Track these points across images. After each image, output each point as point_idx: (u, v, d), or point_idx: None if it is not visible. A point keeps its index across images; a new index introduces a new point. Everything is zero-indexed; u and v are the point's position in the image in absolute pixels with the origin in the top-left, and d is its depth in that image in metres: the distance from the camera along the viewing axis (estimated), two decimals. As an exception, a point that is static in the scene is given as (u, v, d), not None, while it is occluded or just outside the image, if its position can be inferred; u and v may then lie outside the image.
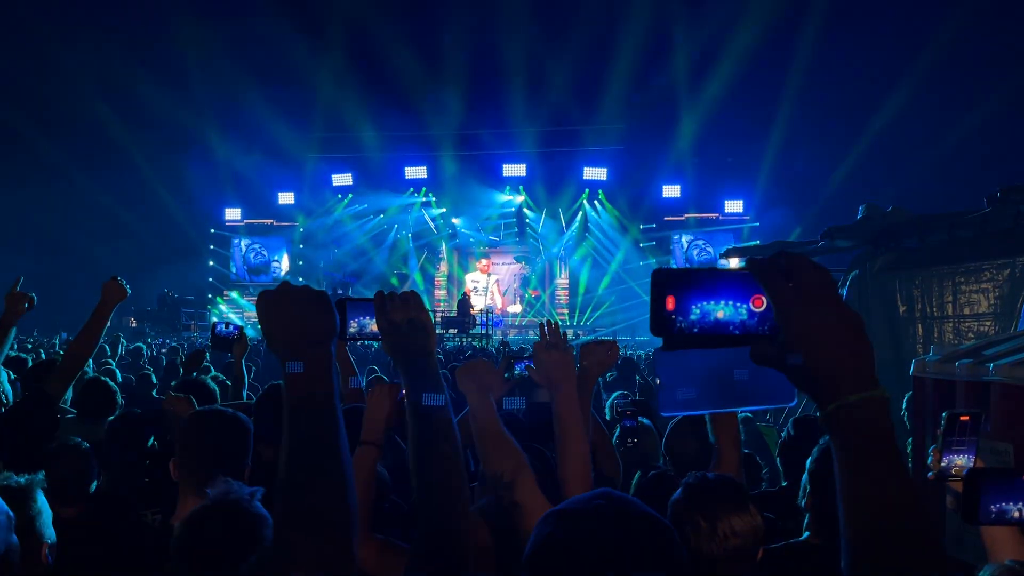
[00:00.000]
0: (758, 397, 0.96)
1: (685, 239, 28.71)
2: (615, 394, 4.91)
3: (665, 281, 0.90)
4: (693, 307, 0.89)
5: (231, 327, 4.47)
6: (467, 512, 1.55)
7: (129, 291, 3.46)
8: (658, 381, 0.94)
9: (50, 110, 23.13)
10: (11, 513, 1.59)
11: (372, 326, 1.67)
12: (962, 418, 1.73)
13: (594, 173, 28.61)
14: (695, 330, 0.89)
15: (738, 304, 0.90)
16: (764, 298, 0.90)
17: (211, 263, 30.85)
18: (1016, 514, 1.59)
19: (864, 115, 21.58)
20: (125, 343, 11.23)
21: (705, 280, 0.90)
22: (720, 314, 0.90)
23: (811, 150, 22.51)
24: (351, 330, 1.69)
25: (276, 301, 1.29)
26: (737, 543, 1.82)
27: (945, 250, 6.24)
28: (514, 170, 28.90)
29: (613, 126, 26.79)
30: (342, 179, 30.00)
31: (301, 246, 30.77)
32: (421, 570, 1.52)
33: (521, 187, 29.20)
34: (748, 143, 24.14)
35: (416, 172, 29.46)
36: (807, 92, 22.02)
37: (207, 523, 1.64)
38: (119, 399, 4.10)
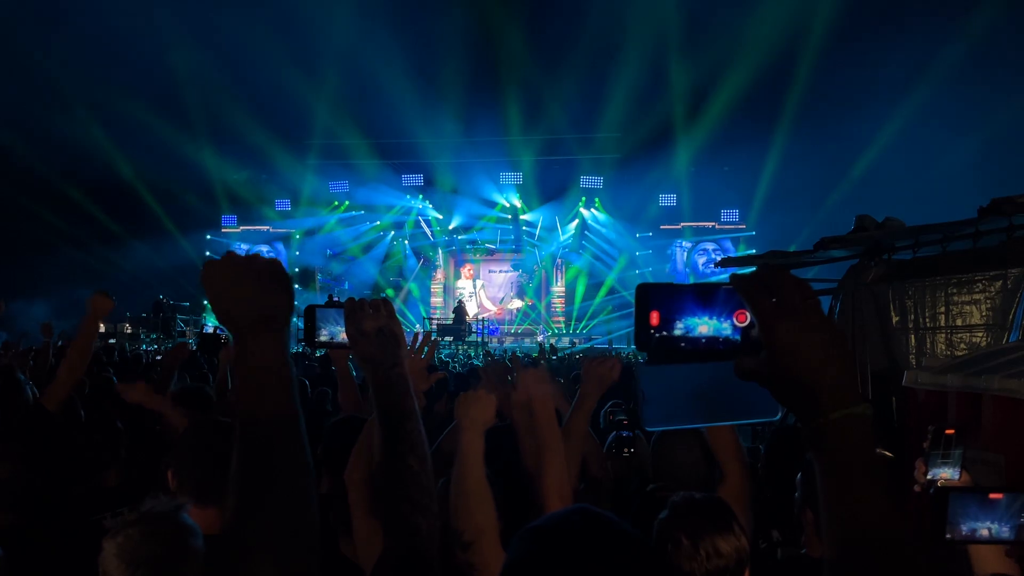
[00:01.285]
0: (742, 412, 0.97)
1: (685, 245, 28.71)
2: (609, 403, 4.91)
3: (649, 296, 0.90)
4: (677, 322, 0.90)
5: (221, 330, 4.35)
6: (434, 527, 1.50)
7: (115, 303, 3.44)
8: (643, 395, 0.95)
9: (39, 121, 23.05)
10: None
11: (343, 334, 1.61)
12: (947, 432, 1.74)
13: (591, 181, 28.66)
14: (680, 344, 0.90)
15: (722, 319, 0.91)
16: (747, 313, 0.90)
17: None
18: (985, 532, 1.56)
19: (862, 127, 21.69)
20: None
21: (689, 295, 0.90)
22: (704, 328, 0.90)
23: (808, 161, 22.56)
24: (322, 338, 1.65)
25: (223, 273, 1.14)
26: (719, 564, 1.83)
27: (938, 261, 6.26)
28: (511, 178, 28.92)
29: (610, 135, 26.85)
30: (338, 187, 30.01)
31: (297, 253, 30.75)
32: None
33: (518, 195, 29.22)
34: (746, 152, 24.19)
35: (413, 180, 29.48)
36: (806, 102, 22.13)
37: (136, 535, 1.62)
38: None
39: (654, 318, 0.89)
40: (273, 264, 1.17)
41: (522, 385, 2.08)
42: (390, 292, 28.67)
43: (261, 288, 1.13)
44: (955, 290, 5.82)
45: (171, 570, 1.48)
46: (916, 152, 20.45)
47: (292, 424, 1.08)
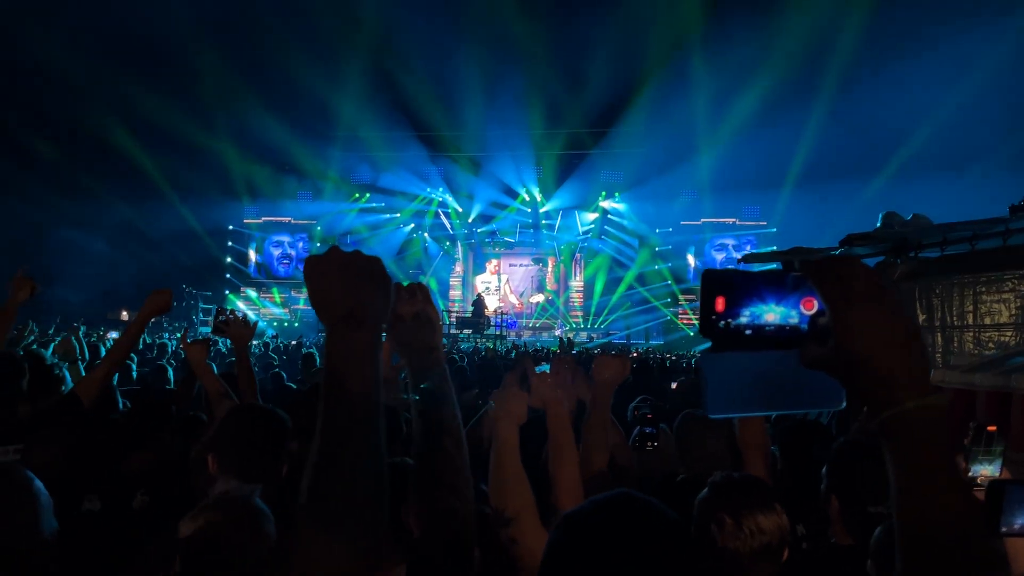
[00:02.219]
0: (806, 401, 0.96)
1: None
2: (637, 399, 4.92)
3: (715, 282, 0.89)
4: (743, 308, 0.88)
5: (237, 314, 4.25)
6: (470, 510, 1.52)
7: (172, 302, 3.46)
8: (705, 382, 0.94)
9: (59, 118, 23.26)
10: (49, 496, 1.61)
11: None
12: (989, 428, 1.73)
13: (612, 176, 28.59)
14: (745, 332, 0.88)
15: (789, 306, 0.89)
16: (815, 300, 0.88)
17: (228, 260, 31.07)
18: None
19: (888, 125, 21.45)
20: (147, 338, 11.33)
21: (755, 281, 0.89)
22: (770, 316, 0.88)
23: (832, 157, 22.36)
24: None
25: (321, 268, 1.15)
26: (763, 541, 1.83)
27: (966, 259, 6.19)
28: (531, 172, 28.92)
29: (632, 129, 26.73)
30: (360, 178, 30.15)
31: (319, 244, 30.91)
32: (426, 567, 1.50)
33: (538, 187, 29.20)
34: (768, 148, 24.01)
35: (433, 173, 29.54)
36: (832, 98, 21.91)
37: (213, 520, 1.65)
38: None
39: (719, 304, 0.88)
40: (372, 263, 1.17)
41: (535, 391, 2.11)
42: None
43: (354, 286, 1.13)
44: (984, 288, 5.77)
45: (247, 554, 1.49)
46: (948, 149, 20.18)
47: (368, 419, 1.08)
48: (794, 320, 0.89)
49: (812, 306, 0.89)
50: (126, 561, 2.09)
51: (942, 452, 0.83)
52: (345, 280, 1.13)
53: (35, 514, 1.37)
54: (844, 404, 0.92)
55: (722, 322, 0.88)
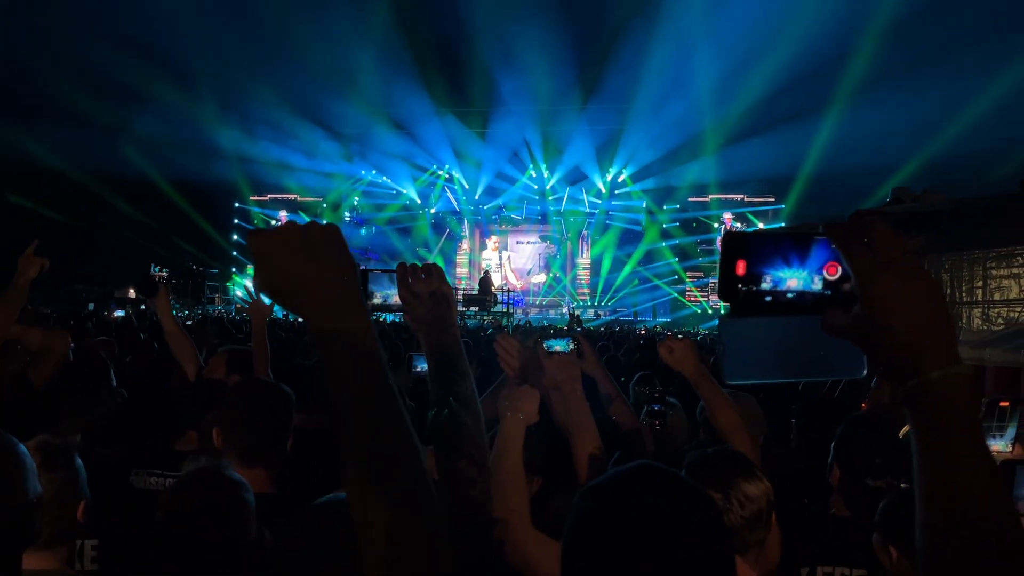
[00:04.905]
0: (826, 369, 0.94)
1: (726, 216, 28.41)
2: (636, 376, 4.88)
3: (736, 244, 0.86)
4: (764, 272, 0.86)
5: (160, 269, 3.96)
6: (488, 480, 1.55)
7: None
8: (723, 348, 0.91)
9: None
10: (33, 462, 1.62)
11: (395, 297, 1.65)
12: (1002, 404, 1.71)
13: (621, 153, 28.34)
14: (765, 298, 0.86)
15: (811, 271, 0.86)
16: (839, 266, 0.86)
17: (235, 237, 31.12)
18: None
19: (895, 101, 21.18)
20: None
21: (778, 244, 0.86)
22: (793, 282, 0.86)
23: (840, 135, 22.15)
24: (375, 301, 1.69)
25: (285, 247, 0.99)
26: (753, 509, 1.83)
27: (976, 234, 6.14)
28: (539, 149, 28.70)
29: (642, 105, 26.42)
30: (366, 153, 29.97)
31: (324, 222, 30.76)
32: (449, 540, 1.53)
33: (545, 165, 29.02)
34: (775, 125, 23.78)
35: (439, 150, 29.33)
36: (838, 76, 21.64)
37: (192, 490, 1.68)
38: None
39: (740, 267, 0.85)
40: (334, 232, 1.04)
41: (549, 374, 2.12)
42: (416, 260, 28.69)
43: (334, 263, 1.01)
44: (993, 264, 5.72)
45: (226, 521, 1.50)
46: (958, 127, 19.94)
47: (383, 397, 0.98)
48: (817, 286, 0.86)
49: (836, 271, 0.86)
50: None
51: (967, 423, 0.81)
52: (323, 257, 1.00)
53: (20, 477, 1.39)
54: (864, 373, 0.89)
55: (743, 286, 0.86)
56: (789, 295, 0.86)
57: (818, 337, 0.87)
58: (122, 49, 21.53)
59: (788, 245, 0.86)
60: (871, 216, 0.83)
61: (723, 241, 0.87)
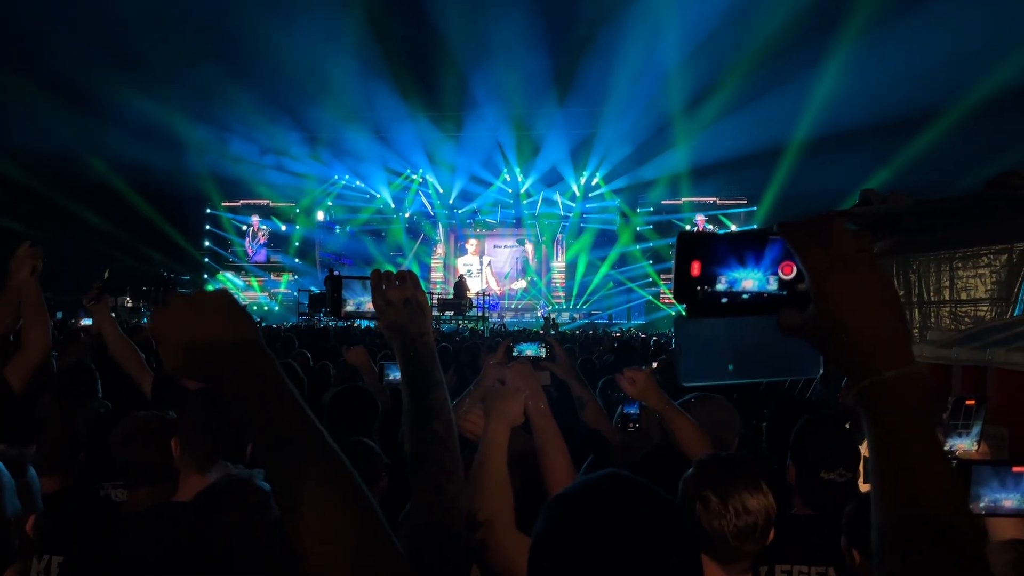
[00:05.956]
0: (783, 369, 0.93)
1: (698, 218, 28.61)
2: (601, 381, 4.84)
3: (690, 245, 0.85)
4: (719, 273, 0.85)
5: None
6: (459, 489, 1.53)
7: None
8: (679, 349, 0.90)
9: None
10: (12, 479, 1.59)
11: (368, 304, 1.64)
12: (967, 402, 1.73)
13: (595, 155, 28.45)
14: (722, 299, 0.85)
15: (766, 271, 0.86)
16: (794, 265, 0.85)
17: (207, 244, 30.79)
18: (1008, 504, 1.57)
19: (863, 106, 21.44)
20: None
21: (733, 244, 0.86)
22: (748, 282, 0.85)
23: (812, 140, 22.41)
24: (348, 308, 1.66)
25: (184, 316, 1.02)
26: (748, 521, 1.81)
27: (943, 234, 6.24)
28: (512, 152, 28.73)
29: (614, 107, 26.55)
30: (335, 166, 29.81)
31: (297, 227, 30.67)
32: (413, 546, 1.51)
33: (519, 168, 29.06)
34: (747, 129, 24.00)
35: (412, 154, 29.23)
36: (806, 80, 21.90)
37: (222, 501, 1.66)
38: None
39: (695, 268, 0.85)
40: (224, 294, 1.06)
41: (510, 383, 2.06)
42: (390, 267, 28.55)
43: (223, 318, 1.03)
44: (960, 264, 5.81)
45: (254, 532, 1.47)
46: (919, 121, 20.26)
47: (304, 434, 0.99)
48: (772, 286, 0.86)
49: (791, 271, 0.86)
50: None
51: (922, 422, 0.81)
52: (216, 319, 1.02)
53: None
54: (820, 372, 0.88)
55: (698, 287, 0.85)
56: (745, 295, 0.86)
57: (774, 337, 0.86)
58: (87, 52, 21.21)
59: (743, 245, 0.86)
60: (839, 217, 0.83)
61: (677, 242, 0.86)
